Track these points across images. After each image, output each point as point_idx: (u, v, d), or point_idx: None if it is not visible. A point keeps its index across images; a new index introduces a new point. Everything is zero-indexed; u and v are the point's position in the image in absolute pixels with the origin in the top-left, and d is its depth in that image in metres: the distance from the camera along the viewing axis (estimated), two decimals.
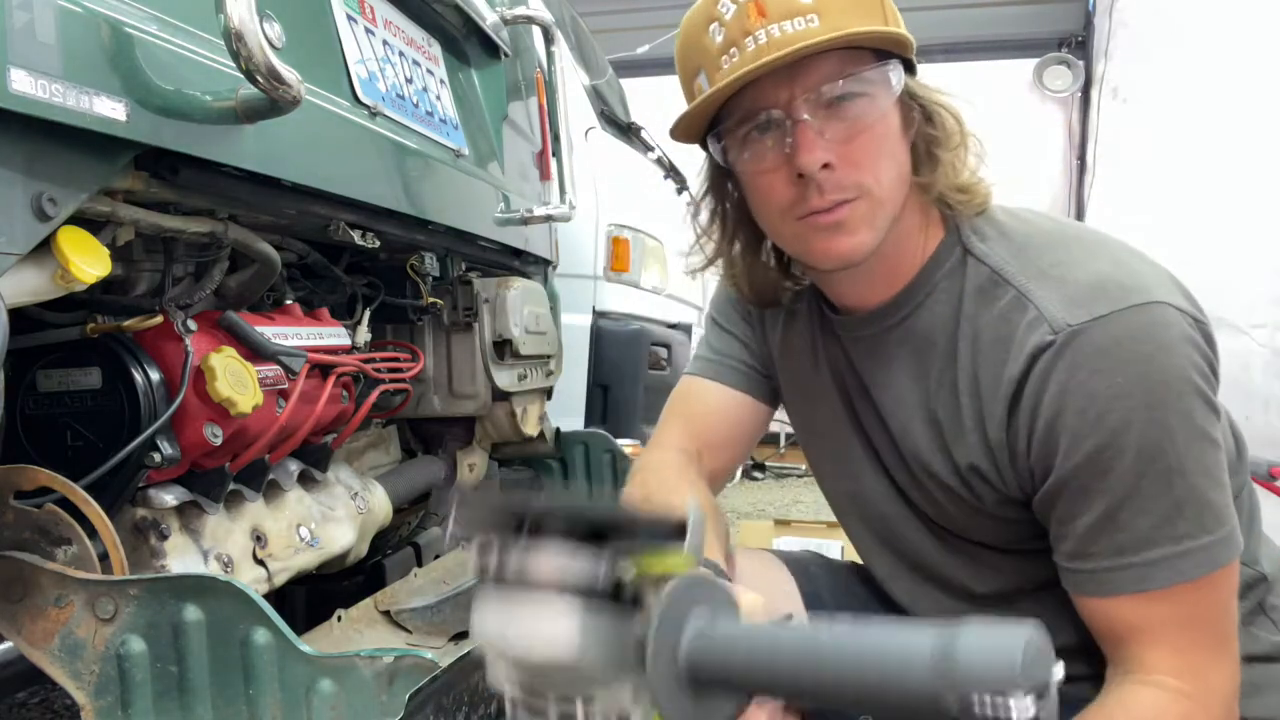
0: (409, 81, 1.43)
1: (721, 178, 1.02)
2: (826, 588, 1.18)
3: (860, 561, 1.22)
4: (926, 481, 0.99)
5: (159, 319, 1.01)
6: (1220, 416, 0.87)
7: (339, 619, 1.20)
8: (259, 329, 1.13)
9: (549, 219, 1.79)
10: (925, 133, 0.93)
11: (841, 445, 1.09)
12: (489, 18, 1.73)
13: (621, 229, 2.95)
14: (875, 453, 1.05)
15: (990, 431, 0.91)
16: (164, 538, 1.02)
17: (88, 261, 0.80)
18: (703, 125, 0.94)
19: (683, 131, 0.94)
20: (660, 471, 1.10)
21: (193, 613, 0.82)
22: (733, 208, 1.03)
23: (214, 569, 1.05)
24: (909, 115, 0.92)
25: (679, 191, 3.81)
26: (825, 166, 0.87)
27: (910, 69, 0.91)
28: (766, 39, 0.84)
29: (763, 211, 0.96)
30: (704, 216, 1.06)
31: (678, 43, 0.93)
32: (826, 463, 1.14)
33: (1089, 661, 0.93)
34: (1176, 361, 0.82)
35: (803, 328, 1.11)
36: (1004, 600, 1.01)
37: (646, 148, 3.62)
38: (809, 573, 1.19)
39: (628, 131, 3.54)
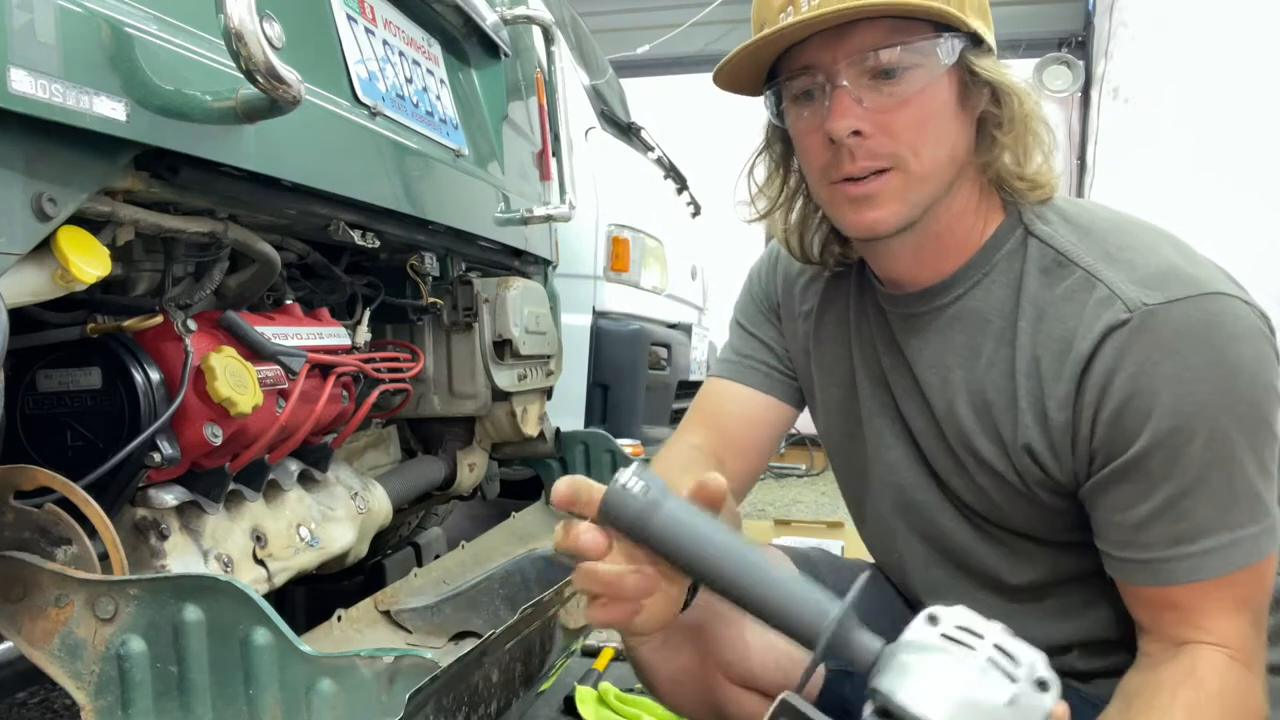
0: (409, 81, 1.43)
1: (780, 135, 1.02)
2: (833, 586, 1.16)
3: (869, 558, 1.20)
4: (970, 464, 0.97)
5: (159, 319, 1.01)
6: None
7: (339, 619, 1.20)
8: (259, 329, 1.13)
9: (549, 219, 1.79)
10: (990, 112, 0.92)
11: (874, 427, 1.07)
12: (489, 18, 1.73)
13: (621, 229, 2.95)
14: (911, 434, 1.04)
15: (1051, 412, 0.89)
16: (164, 538, 1.02)
17: (88, 261, 0.80)
18: (759, 78, 0.95)
19: (730, 79, 0.95)
20: (669, 474, 1.09)
21: (193, 613, 0.82)
22: (797, 169, 1.04)
23: (214, 569, 1.05)
24: (970, 92, 0.91)
25: (679, 191, 3.81)
26: (857, 134, 0.87)
27: (979, 44, 0.90)
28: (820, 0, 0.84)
29: (806, 171, 0.98)
30: (760, 171, 1.06)
31: None
32: (853, 445, 1.12)
33: (1119, 655, 0.92)
34: (1249, 351, 0.83)
35: (840, 308, 1.10)
36: (1036, 592, 1.00)
37: (646, 148, 3.62)
38: (816, 570, 1.17)
39: (628, 131, 3.54)
